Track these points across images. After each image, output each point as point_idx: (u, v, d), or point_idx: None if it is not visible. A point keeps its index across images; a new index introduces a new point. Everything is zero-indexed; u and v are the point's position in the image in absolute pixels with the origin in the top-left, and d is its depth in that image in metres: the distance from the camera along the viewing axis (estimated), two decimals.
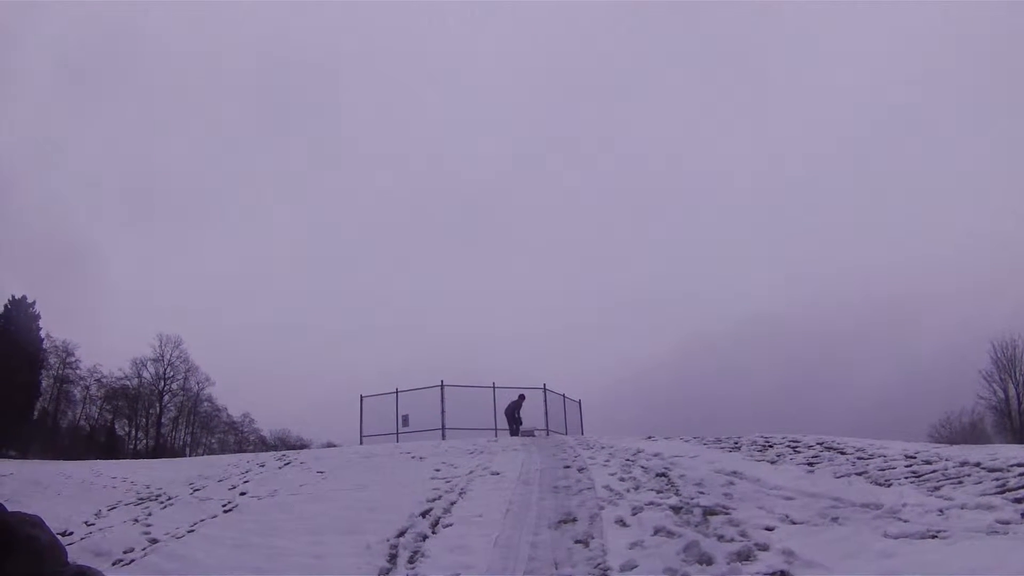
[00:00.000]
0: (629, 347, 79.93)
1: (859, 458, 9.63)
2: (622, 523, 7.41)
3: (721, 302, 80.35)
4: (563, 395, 24.76)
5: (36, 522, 1.37)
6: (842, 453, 10.21)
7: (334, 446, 26.98)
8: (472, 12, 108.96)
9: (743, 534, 6.45)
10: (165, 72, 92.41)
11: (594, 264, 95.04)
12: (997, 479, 7.19)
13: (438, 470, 12.08)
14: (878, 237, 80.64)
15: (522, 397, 22.34)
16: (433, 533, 7.92)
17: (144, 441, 51.79)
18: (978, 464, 7.99)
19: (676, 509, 7.64)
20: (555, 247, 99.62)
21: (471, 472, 11.60)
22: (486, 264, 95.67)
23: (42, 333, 45.22)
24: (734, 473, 9.40)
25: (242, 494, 11.69)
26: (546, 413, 23.15)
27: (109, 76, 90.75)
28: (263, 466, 14.70)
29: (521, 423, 21.86)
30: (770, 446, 11.77)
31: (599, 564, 6.25)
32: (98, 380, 49.68)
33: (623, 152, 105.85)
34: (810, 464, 9.71)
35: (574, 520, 7.85)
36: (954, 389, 43.54)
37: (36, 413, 45.56)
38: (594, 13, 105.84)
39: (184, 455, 45.23)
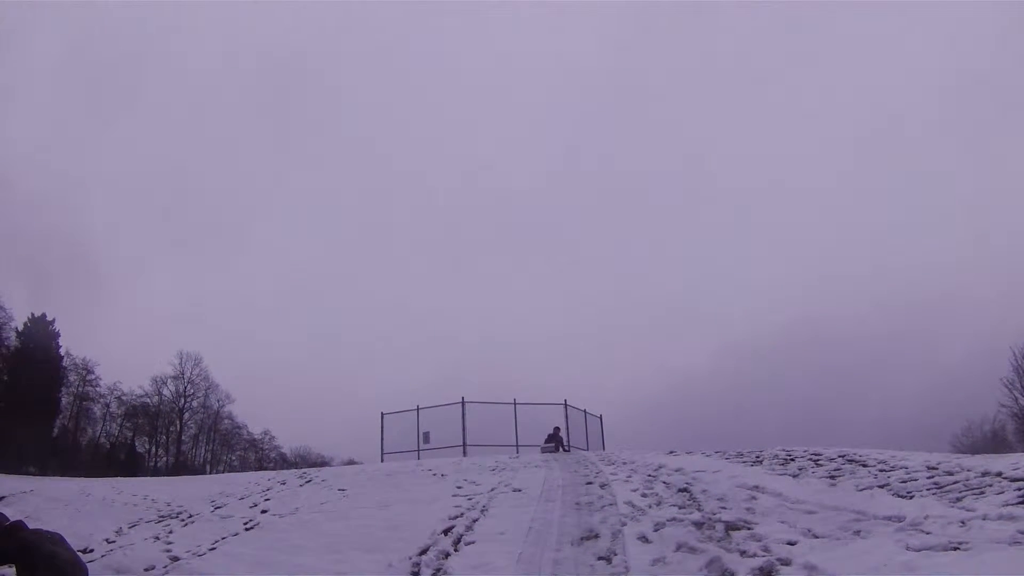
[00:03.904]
0: (651, 362, 79.82)
1: (881, 470, 9.58)
2: (644, 539, 7.42)
3: (742, 317, 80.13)
4: (584, 410, 24.67)
5: (57, 539, 1.45)
6: (864, 466, 10.15)
7: (355, 464, 27.02)
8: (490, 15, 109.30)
9: (766, 549, 6.46)
10: (189, 89, 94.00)
11: (614, 279, 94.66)
12: (1019, 489, 7.13)
13: (460, 487, 12.12)
14: (897, 241, 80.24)
15: (557, 429, 22.55)
16: (455, 551, 7.94)
17: (164, 458, 52.21)
18: (1000, 474, 7.94)
19: (698, 524, 7.64)
20: (578, 261, 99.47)
21: (493, 489, 11.64)
22: (509, 279, 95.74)
23: (62, 351, 45.97)
24: (756, 487, 9.37)
25: (263, 512, 11.76)
26: (567, 429, 23.08)
27: (130, 91, 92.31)
28: (284, 484, 14.79)
29: (562, 441, 22.10)
30: (792, 459, 11.69)
31: None
32: (118, 397, 50.39)
33: (650, 163, 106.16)
34: (832, 477, 9.66)
35: (596, 536, 7.86)
36: (975, 397, 43.16)
37: (56, 430, 46.10)
38: (610, 22, 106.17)
39: (205, 472, 45.50)
